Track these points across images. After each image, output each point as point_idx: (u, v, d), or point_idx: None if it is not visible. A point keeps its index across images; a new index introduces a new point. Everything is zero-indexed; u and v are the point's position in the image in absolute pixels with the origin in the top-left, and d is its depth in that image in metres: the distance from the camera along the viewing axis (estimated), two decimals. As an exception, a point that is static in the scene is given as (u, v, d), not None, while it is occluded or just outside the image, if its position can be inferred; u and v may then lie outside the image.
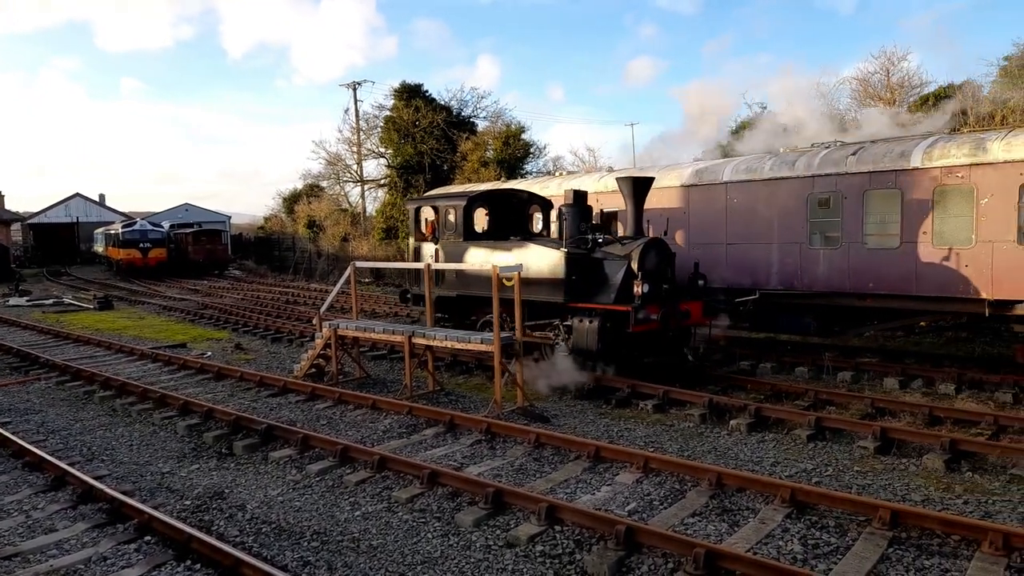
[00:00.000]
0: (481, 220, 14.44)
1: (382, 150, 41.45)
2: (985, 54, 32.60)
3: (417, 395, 11.48)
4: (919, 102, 24.62)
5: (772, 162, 13.78)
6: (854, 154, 12.58)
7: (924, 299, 11.84)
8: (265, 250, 50.56)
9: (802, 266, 13.06)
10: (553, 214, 14.18)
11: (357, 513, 6.92)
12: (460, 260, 13.15)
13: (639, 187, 12.16)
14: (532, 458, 8.34)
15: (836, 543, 5.97)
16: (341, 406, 11.01)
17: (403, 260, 33.82)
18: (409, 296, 15.54)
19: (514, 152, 33.75)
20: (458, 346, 11.16)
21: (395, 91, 38.47)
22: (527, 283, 11.54)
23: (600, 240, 12.08)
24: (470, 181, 29.48)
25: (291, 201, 50.43)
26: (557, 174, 21.88)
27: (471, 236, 13.39)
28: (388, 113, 39.21)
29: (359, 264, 14.02)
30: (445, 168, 36.09)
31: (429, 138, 36.46)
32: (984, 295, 11.06)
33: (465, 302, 13.73)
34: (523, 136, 34.87)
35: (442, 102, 38.32)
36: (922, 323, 14.71)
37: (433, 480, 7.43)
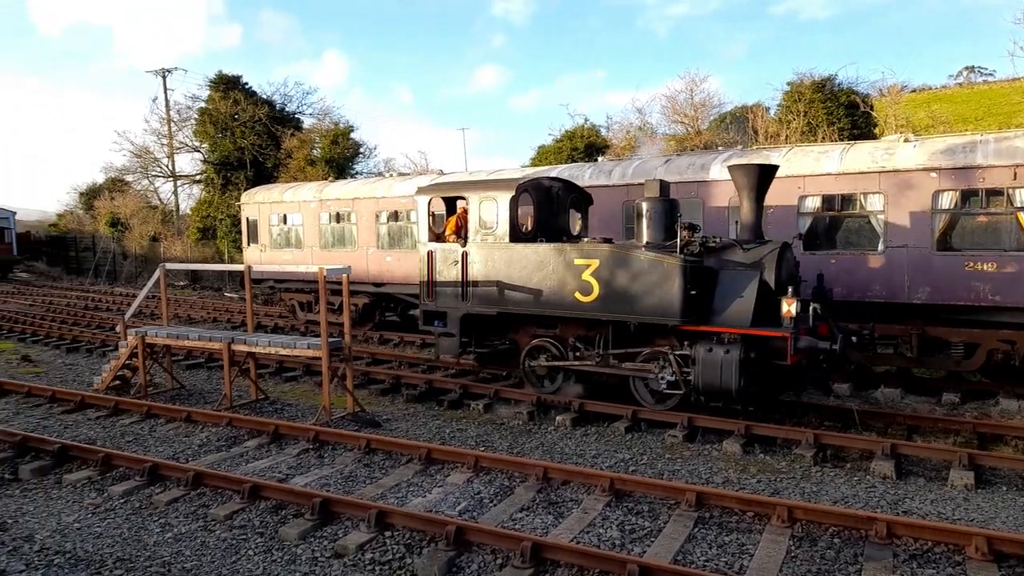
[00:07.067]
0: (526, 216, 11.54)
1: (197, 144, 38.69)
2: (772, 79, 36.72)
3: (238, 406, 10.84)
4: (717, 120, 27.19)
5: (591, 171, 14.56)
6: (663, 165, 13.61)
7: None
8: (59, 250, 45.25)
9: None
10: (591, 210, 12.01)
11: (168, 535, 6.41)
12: (509, 267, 10.38)
13: (761, 177, 9.74)
14: (363, 464, 8.18)
15: (650, 526, 6.42)
16: (150, 420, 10.14)
17: (222, 262, 31.84)
18: (412, 312, 11.78)
19: (343, 151, 32.93)
20: (284, 352, 10.68)
21: (211, 82, 36.09)
22: (611, 298, 9.57)
23: (711, 243, 9.78)
24: (296, 179, 28.32)
25: (90, 196, 45.62)
26: (388, 174, 21.62)
27: (517, 236, 10.72)
28: (203, 105, 36.69)
29: (170, 266, 13.00)
30: (269, 165, 34.39)
31: (250, 133, 34.57)
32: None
33: (508, 322, 10.99)
34: (352, 135, 34.13)
35: (264, 96, 36.51)
36: None
37: (255, 494, 7.05)
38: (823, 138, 22.34)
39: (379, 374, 12.62)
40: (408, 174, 22.02)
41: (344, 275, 10.36)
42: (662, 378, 9.56)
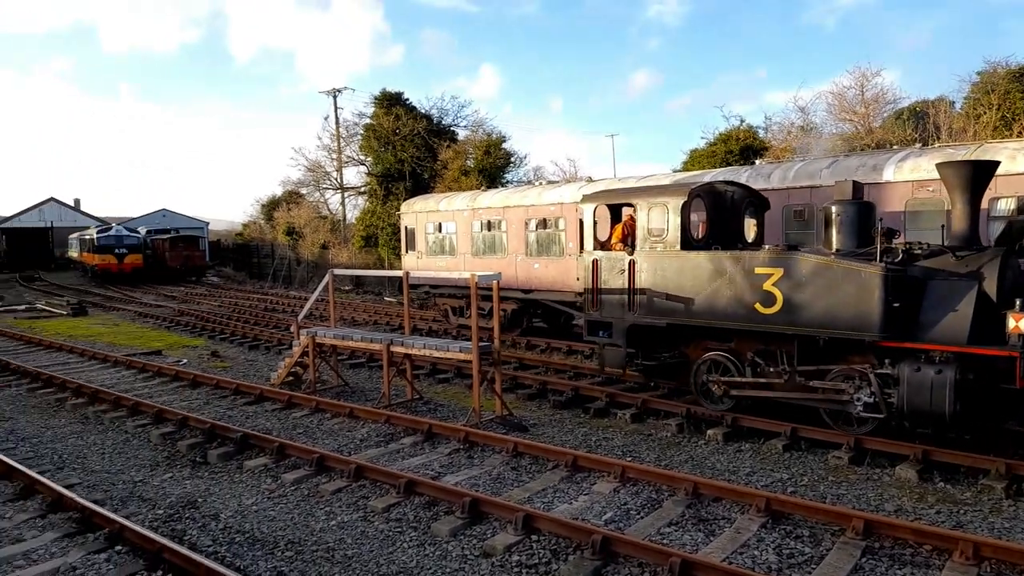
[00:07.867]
0: (698, 222, 11.09)
1: (362, 158, 41.42)
2: (959, 70, 33.39)
3: (395, 404, 11.42)
4: (893, 117, 25.10)
5: (749, 174, 13.96)
6: (828, 167, 12.76)
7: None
8: (244, 257, 50.20)
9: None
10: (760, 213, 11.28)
11: (332, 522, 6.86)
12: (680, 276, 9.87)
13: (976, 175, 8.64)
14: (510, 467, 8.32)
15: (810, 552, 6.02)
16: (318, 415, 10.92)
17: (383, 268, 33.82)
18: (575, 322, 11.28)
19: (495, 161, 33.88)
20: (437, 354, 11.13)
21: (375, 99, 38.51)
22: (797, 310, 8.84)
23: (916, 250, 8.93)
24: (451, 189, 29.48)
25: (270, 208, 50.17)
26: (537, 183, 21.95)
27: (689, 243, 10.17)
28: (368, 121, 39.21)
29: (337, 271, 13.95)
30: (426, 176, 36.11)
31: (410, 146, 36.48)
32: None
33: (678, 334, 10.42)
34: (504, 145, 35.05)
35: (423, 110, 38.40)
36: None
37: (410, 489, 7.38)
38: (1020, 133, 19.98)
39: (526, 379, 12.80)
40: (556, 182, 22.22)
41: (494, 281, 10.62)
42: (859, 399, 8.66)
